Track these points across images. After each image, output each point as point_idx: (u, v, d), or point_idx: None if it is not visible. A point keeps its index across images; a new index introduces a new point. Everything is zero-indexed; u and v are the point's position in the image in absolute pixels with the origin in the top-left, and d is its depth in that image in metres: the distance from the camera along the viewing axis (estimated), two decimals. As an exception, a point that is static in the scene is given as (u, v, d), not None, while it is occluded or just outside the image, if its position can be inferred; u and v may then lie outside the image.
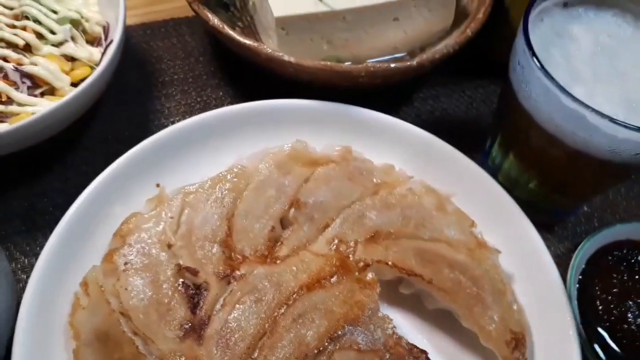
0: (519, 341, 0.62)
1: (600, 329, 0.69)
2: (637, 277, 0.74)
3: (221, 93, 0.90)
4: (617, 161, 0.62)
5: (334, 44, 0.82)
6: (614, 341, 0.68)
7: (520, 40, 0.65)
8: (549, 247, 0.77)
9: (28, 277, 0.61)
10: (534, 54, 0.62)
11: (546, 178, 0.72)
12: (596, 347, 0.67)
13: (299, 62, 0.73)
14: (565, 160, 0.66)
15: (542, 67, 0.61)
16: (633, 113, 0.62)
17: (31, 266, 0.63)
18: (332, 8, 0.78)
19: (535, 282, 0.68)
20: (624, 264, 0.75)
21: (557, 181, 0.72)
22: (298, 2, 0.78)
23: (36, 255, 0.63)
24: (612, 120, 0.57)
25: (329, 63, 0.74)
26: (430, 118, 0.92)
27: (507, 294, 0.66)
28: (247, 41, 0.75)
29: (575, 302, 0.69)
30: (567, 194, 0.74)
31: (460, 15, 0.89)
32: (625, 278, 0.74)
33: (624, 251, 0.76)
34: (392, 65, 0.76)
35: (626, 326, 0.69)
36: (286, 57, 0.74)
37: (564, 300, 0.65)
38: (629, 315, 0.70)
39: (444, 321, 0.67)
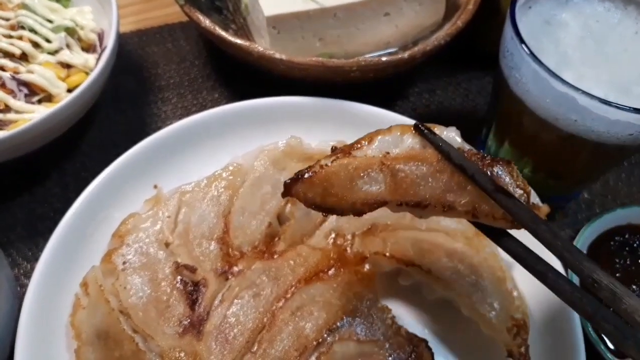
0: (520, 328, 0.62)
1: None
2: (639, 261, 0.74)
3: (217, 95, 0.91)
4: (610, 143, 0.62)
5: (326, 41, 0.83)
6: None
7: (508, 28, 0.65)
8: (549, 234, 0.77)
9: (31, 281, 0.62)
10: (522, 40, 0.62)
11: (541, 163, 0.72)
12: (602, 333, 0.66)
13: (290, 59, 0.74)
14: (559, 145, 0.66)
15: (531, 53, 0.61)
16: (623, 95, 0.62)
17: (33, 271, 0.63)
18: (323, 5, 0.79)
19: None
20: (626, 248, 0.75)
21: (552, 166, 0.72)
22: (289, 1, 0.79)
23: (38, 260, 0.63)
24: (602, 101, 0.57)
25: (320, 59, 0.74)
26: (426, 111, 0.93)
27: (507, 281, 0.65)
28: (239, 41, 0.76)
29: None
30: (563, 178, 0.74)
31: (452, 8, 0.89)
32: (627, 263, 0.74)
33: (626, 236, 0.75)
34: (384, 58, 0.76)
35: (630, 311, 0.68)
36: (277, 55, 0.74)
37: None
38: (633, 299, 0.69)
39: (444, 311, 0.66)
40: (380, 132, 0.51)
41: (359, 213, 0.47)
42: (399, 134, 0.50)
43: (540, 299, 0.65)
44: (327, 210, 0.48)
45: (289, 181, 0.49)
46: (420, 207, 0.47)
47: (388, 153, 0.49)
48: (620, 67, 0.65)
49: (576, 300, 0.41)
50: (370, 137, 0.51)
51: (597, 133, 0.61)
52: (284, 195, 0.49)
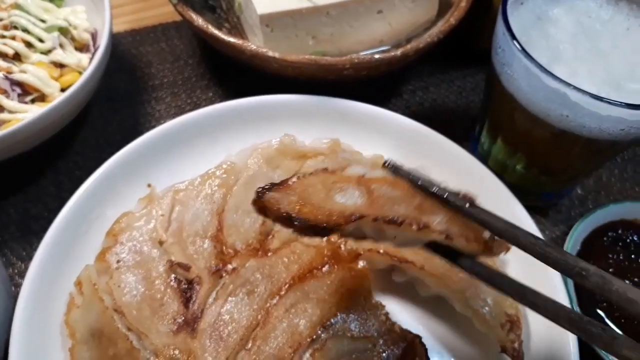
0: (514, 323, 0.62)
1: (598, 310, 0.69)
2: (632, 256, 0.74)
3: (211, 94, 0.91)
4: (602, 138, 0.63)
5: (319, 39, 0.83)
6: (612, 322, 0.68)
7: (499, 24, 0.65)
8: (543, 230, 0.78)
9: (26, 280, 0.62)
10: (513, 37, 0.62)
11: (534, 160, 0.72)
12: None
13: (283, 57, 0.74)
14: (551, 141, 0.66)
15: (522, 49, 0.61)
16: (614, 91, 0.63)
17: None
18: (315, 3, 0.79)
19: (529, 265, 0.67)
20: (619, 244, 0.75)
21: (544, 162, 0.72)
22: (282, -1, 0.79)
23: (32, 260, 0.63)
24: (593, 96, 0.58)
25: (313, 57, 0.75)
26: (420, 109, 0.93)
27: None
28: (232, 39, 0.76)
29: (571, 285, 0.69)
30: (556, 174, 0.74)
31: (445, 6, 0.89)
32: (621, 258, 0.74)
33: (619, 231, 0.76)
34: (377, 56, 0.76)
35: (623, 305, 0.69)
36: (270, 53, 0.74)
37: (559, 282, 0.65)
38: (626, 294, 0.70)
39: (438, 308, 0.67)
40: (353, 163, 0.52)
41: (332, 226, 0.46)
42: (369, 168, 0.52)
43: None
44: (298, 222, 0.46)
45: (261, 189, 0.48)
46: (396, 224, 0.46)
47: (363, 176, 0.50)
48: (612, 63, 0.65)
49: (552, 311, 0.42)
50: (345, 166, 0.52)
51: (588, 129, 0.62)
52: (255, 203, 0.47)
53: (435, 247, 0.48)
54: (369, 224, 0.47)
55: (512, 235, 0.45)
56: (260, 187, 0.48)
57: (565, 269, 0.42)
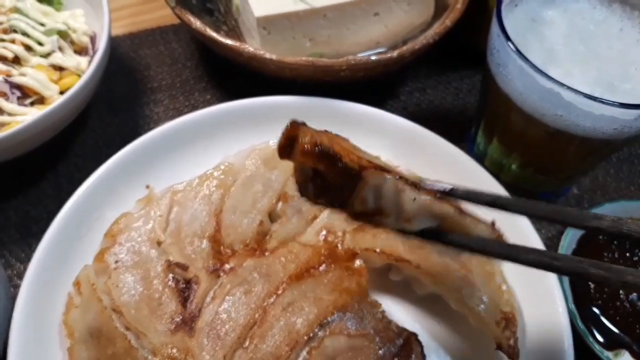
0: (509, 321, 0.62)
1: (593, 308, 0.69)
2: (627, 254, 0.74)
3: (208, 96, 0.92)
4: (597, 137, 0.63)
5: (316, 42, 0.84)
6: (607, 319, 0.68)
7: (494, 25, 0.66)
8: (539, 229, 0.78)
9: (25, 282, 0.62)
10: (507, 38, 0.63)
11: (529, 159, 0.73)
12: (590, 326, 0.67)
13: (281, 59, 0.75)
14: (546, 140, 0.67)
15: (517, 50, 0.62)
16: (608, 91, 0.63)
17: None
18: (312, 6, 0.80)
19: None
20: (615, 242, 0.75)
21: (540, 162, 0.73)
22: (279, 2, 0.80)
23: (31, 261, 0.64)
24: (587, 96, 0.58)
25: (310, 59, 0.75)
26: (417, 110, 0.93)
27: (496, 276, 0.66)
28: (229, 41, 0.77)
29: (567, 282, 0.69)
30: (551, 174, 0.74)
31: (441, 7, 0.90)
32: (616, 256, 0.74)
33: (614, 230, 0.76)
34: (373, 57, 0.77)
35: (619, 303, 0.69)
36: (267, 55, 0.75)
37: (554, 280, 0.65)
38: (621, 291, 0.70)
39: (434, 306, 0.67)
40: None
41: (361, 170, 0.44)
42: None
43: (529, 293, 0.66)
44: (329, 158, 0.43)
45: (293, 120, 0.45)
46: (417, 187, 0.47)
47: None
48: (606, 64, 0.66)
49: (547, 262, 0.43)
50: None
51: (583, 128, 0.62)
52: (289, 131, 0.44)
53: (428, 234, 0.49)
54: (392, 181, 0.46)
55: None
56: (293, 119, 0.45)
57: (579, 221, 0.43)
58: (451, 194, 0.48)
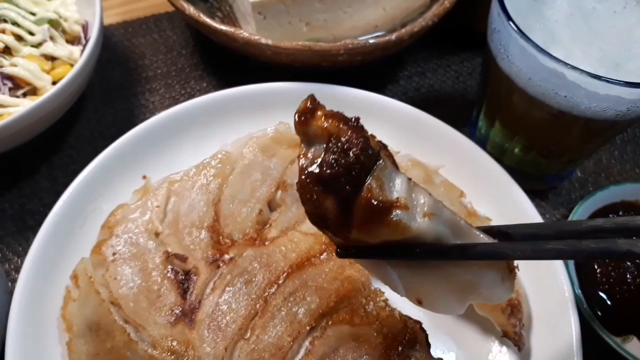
0: (514, 307, 0.61)
1: (600, 293, 0.68)
2: (633, 238, 0.73)
3: (205, 84, 0.90)
4: (602, 118, 0.62)
5: (313, 26, 0.82)
6: (614, 304, 0.67)
7: (495, 5, 0.64)
8: (543, 214, 0.77)
9: (22, 275, 0.61)
10: (509, 17, 0.61)
11: (532, 142, 0.72)
12: (597, 311, 0.66)
13: (277, 44, 0.73)
14: (549, 122, 0.65)
15: (518, 29, 0.60)
16: (612, 71, 0.62)
17: (23, 265, 0.63)
18: (308, -11, 0.78)
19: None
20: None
21: (543, 144, 0.71)
22: (274, -14, 0.78)
23: (27, 254, 0.63)
24: (592, 76, 0.57)
25: (307, 43, 0.74)
26: (417, 95, 0.92)
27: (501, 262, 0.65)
28: (224, 27, 0.75)
29: (572, 267, 0.68)
30: (555, 157, 0.73)
31: (440, -11, 0.88)
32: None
33: (620, 213, 0.75)
34: (371, 41, 0.75)
35: (625, 287, 0.68)
36: (263, 40, 0.73)
37: (560, 265, 0.64)
38: (628, 275, 0.69)
39: (438, 293, 0.66)
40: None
41: (375, 145, 0.44)
42: None
43: (535, 279, 0.65)
44: (353, 124, 0.43)
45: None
46: None
47: None
48: (609, 43, 0.64)
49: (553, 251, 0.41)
50: None
51: (587, 109, 0.61)
52: (310, 102, 0.44)
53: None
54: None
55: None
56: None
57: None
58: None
